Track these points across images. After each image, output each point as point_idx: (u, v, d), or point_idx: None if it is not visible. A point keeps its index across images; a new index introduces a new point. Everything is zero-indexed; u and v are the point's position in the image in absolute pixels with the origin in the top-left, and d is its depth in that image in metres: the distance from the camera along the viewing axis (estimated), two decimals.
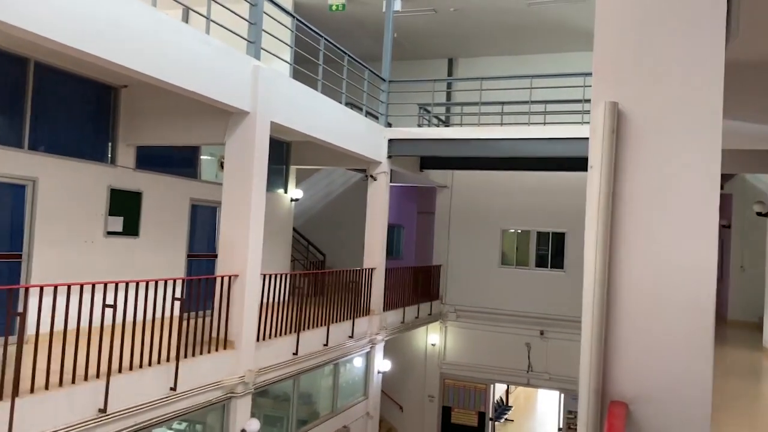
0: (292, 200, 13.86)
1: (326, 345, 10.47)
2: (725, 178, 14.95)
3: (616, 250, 2.69)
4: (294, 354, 9.54)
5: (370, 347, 12.56)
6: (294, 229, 14.88)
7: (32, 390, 5.38)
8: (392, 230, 16.95)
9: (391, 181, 13.31)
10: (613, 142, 2.65)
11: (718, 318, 16.17)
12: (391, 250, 16.88)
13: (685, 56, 2.67)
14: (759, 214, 12.93)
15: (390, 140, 12.99)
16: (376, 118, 13.18)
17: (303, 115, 9.78)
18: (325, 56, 10.88)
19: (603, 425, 2.53)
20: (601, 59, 2.75)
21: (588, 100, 10.98)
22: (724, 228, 16.24)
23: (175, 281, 7.33)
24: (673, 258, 2.63)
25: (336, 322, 10.86)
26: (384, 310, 12.95)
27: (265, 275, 8.74)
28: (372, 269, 12.55)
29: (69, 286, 5.75)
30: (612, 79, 2.72)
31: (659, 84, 2.69)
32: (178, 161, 10.91)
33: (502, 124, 13.51)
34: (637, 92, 2.69)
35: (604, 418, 2.55)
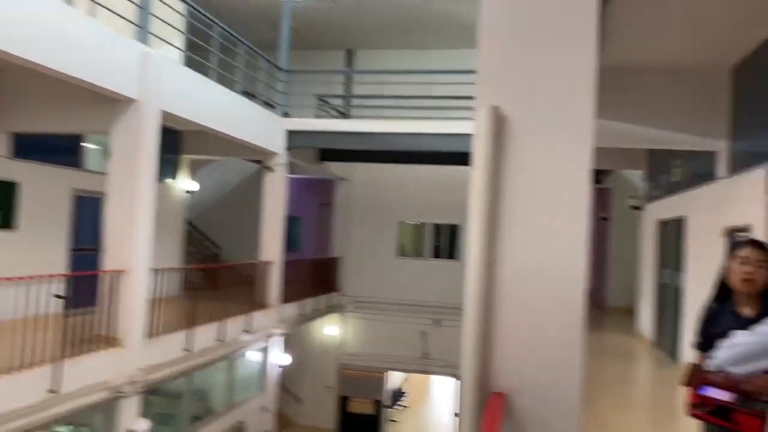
0: (185, 192, 13.40)
1: (221, 340, 10.24)
2: (604, 173, 15.96)
3: (497, 247, 2.81)
4: (186, 350, 9.27)
5: (268, 341, 12.42)
6: (189, 222, 14.43)
7: None
8: (291, 222, 16.78)
9: (289, 173, 13.18)
10: (494, 144, 2.76)
11: (598, 305, 17.35)
12: (290, 243, 16.73)
13: (561, 63, 2.83)
14: (632, 207, 13.92)
15: (288, 131, 12.85)
16: (274, 108, 12.99)
17: (195, 103, 9.48)
18: (220, 44, 10.57)
19: (483, 414, 2.65)
20: (484, 65, 2.86)
21: None
22: (604, 220, 17.35)
23: (53, 277, 6.91)
24: (547, 254, 2.79)
25: (231, 316, 10.63)
26: (282, 304, 12.83)
27: (155, 270, 8.42)
28: (269, 262, 12.39)
29: None
30: (494, 83, 2.83)
31: (538, 88, 2.83)
32: (60, 149, 10.28)
33: (401, 118, 13.70)
34: (517, 96, 2.82)
35: (485, 407, 2.67)
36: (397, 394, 19.85)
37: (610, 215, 16.64)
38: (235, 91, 11.11)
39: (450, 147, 12.47)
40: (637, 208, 13.60)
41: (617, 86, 7.79)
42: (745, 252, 2.95)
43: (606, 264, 16.83)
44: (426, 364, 16.55)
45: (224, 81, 10.65)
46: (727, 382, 2.48)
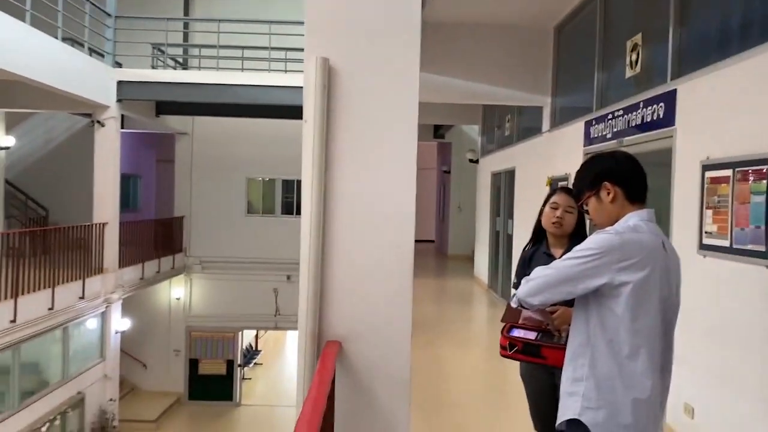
0: (0, 148, 12.08)
1: (52, 309, 9.53)
2: (445, 128, 16.66)
3: (329, 201, 2.83)
4: (12, 321, 8.54)
5: (105, 307, 11.74)
6: (7, 182, 13.08)
7: None
8: (127, 180, 15.79)
9: (123, 127, 12.32)
10: (324, 97, 2.75)
11: (440, 253, 18.27)
12: (127, 203, 15.77)
13: (387, 16, 2.85)
14: (471, 161, 14.70)
15: (119, 82, 11.95)
16: (103, 57, 11.98)
17: (7, 49, 8.50)
18: None
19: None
20: (312, 15, 2.81)
21: None
22: (445, 173, 18.19)
23: None
24: (377, 206, 2.86)
25: (63, 283, 9.91)
26: (120, 267, 12.16)
27: None
28: (104, 224, 11.61)
29: None
30: (323, 35, 2.80)
31: (365, 41, 2.84)
32: None
33: (242, 69, 13.22)
34: (346, 48, 2.81)
35: (319, 356, 2.73)
36: (251, 352, 19.78)
37: (451, 168, 17.46)
38: (57, 38, 10.08)
39: (294, 100, 12.27)
40: (474, 161, 14.37)
41: (450, 42, 8.08)
42: (556, 198, 3.24)
43: (448, 215, 17.74)
44: (279, 321, 16.57)
45: (43, 26, 9.61)
46: (529, 323, 2.76)
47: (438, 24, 7.72)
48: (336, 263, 2.85)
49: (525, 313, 2.73)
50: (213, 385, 16.50)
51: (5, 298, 8.45)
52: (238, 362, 16.77)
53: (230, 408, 16.46)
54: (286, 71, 13.18)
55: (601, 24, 6.76)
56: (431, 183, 20.70)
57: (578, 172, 2.43)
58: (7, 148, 12.34)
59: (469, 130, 16.69)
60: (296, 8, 15.77)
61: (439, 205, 18.89)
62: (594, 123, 6.52)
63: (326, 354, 2.63)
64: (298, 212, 16.33)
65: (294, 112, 14.25)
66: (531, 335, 2.78)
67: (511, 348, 2.81)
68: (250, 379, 18.27)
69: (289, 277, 16.44)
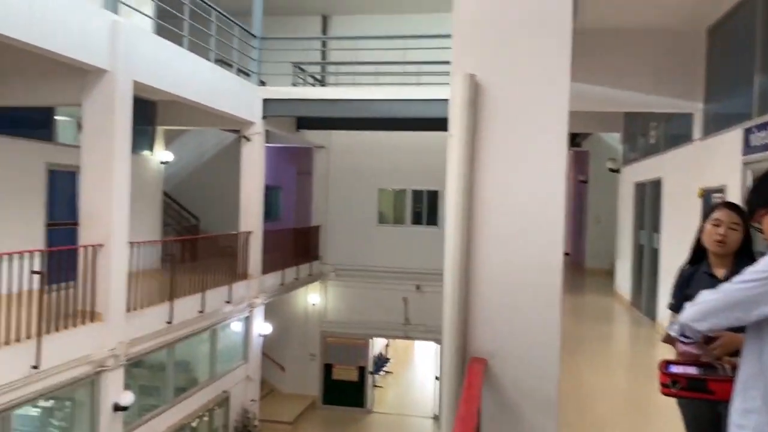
0: (161, 163, 13.22)
1: (202, 312, 10.24)
2: (582, 136, 16.04)
3: (475, 213, 2.82)
4: (168, 323, 9.26)
5: (249, 311, 12.45)
6: (165, 193, 14.28)
7: None
8: (270, 192, 16.68)
9: (266, 142, 13.05)
10: (471, 113, 2.75)
11: (577, 267, 17.55)
12: (269, 212, 16.65)
13: (536, 29, 2.81)
14: (611, 170, 14.03)
15: (264, 100, 12.68)
16: (249, 76, 12.79)
17: (168, 73, 9.30)
18: (192, 11, 10.33)
19: (464, 380, 2.69)
20: (459, 33, 2.82)
21: None
22: (583, 183, 17.49)
23: (32, 253, 6.81)
24: (525, 218, 2.80)
25: (212, 287, 10.61)
26: (262, 273, 12.83)
27: (132, 243, 8.34)
28: (249, 233, 12.35)
29: None
30: (470, 51, 2.80)
31: (513, 55, 2.81)
32: (31, 123, 10.04)
33: (377, 84, 13.56)
34: (493, 63, 2.79)
35: (465, 373, 2.71)
36: (381, 360, 20.10)
37: (588, 178, 16.77)
38: (209, 60, 10.90)
39: (428, 113, 12.39)
40: (615, 170, 13.72)
41: (594, 49, 7.77)
42: (719, 214, 2.99)
43: (585, 226, 17.03)
44: (408, 330, 16.73)
45: (198, 49, 10.44)
46: (687, 358, 2.52)
47: (581, 31, 7.46)
48: (481, 278, 2.83)
49: (679, 347, 2.50)
50: (346, 391, 16.95)
51: (163, 300, 9.20)
52: (370, 369, 17.09)
53: (362, 414, 16.80)
54: (419, 84, 13.35)
55: (763, 23, 6.21)
56: (566, 193, 19.98)
57: (754, 187, 2.23)
58: (166, 162, 13.48)
59: (609, 138, 15.96)
60: (429, 23, 15.98)
61: (575, 216, 18.20)
62: (755, 130, 5.99)
63: (473, 371, 2.60)
64: (428, 222, 16.57)
65: (427, 124, 14.41)
66: (692, 370, 2.55)
67: (674, 385, 2.59)
68: (381, 387, 18.56)
69: (418, 287, 16.57)
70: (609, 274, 13.97)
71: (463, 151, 2.77)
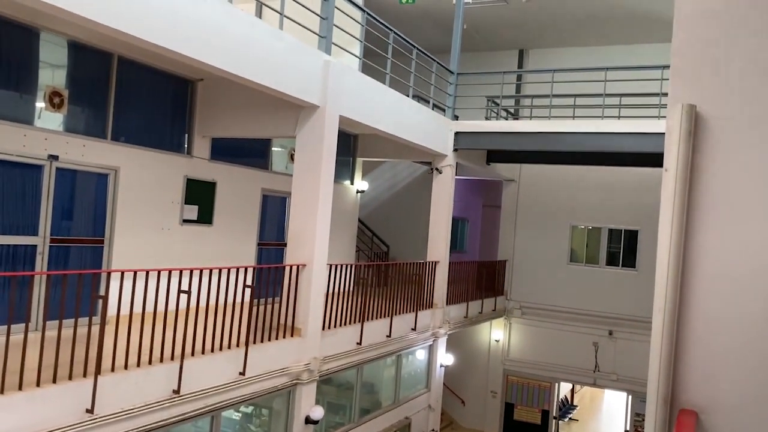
0: (357, 192, 14.01)
1: (389, 336, 10.57)
2: None
3: (690, 255, 2.62)
4: (358, 344, 9.68)
5: (433, 340, 12.60)
6: (359, 220, 15.06)
7: (113, 369, 5.69)
8: (457, 223, 16.89)
9: (456, 174, 13.26)
10: (689, 146, 2.57)
11: None
12: (455, 244, 16.82)
13: (765, 53, 2.57)
14: None
15: (456, 133, 12.93)
16: (443, 110, 13.14)
17: (370, 108, 9.88)
18: (394, 49, 10.91)
19: None
20: (679, 59, 2.67)
21: (665, 94, 10.60)
22: None
23: (246, 269, 7.55)
24: (749, 263, 2.54)
25: (399, 314, 10.94)
26: (447, 304, 12.95)
27: (331, 265, 8.90)
28: (436, 262, 12.56)
29: (147, 272, 6.04)
30: (690, 80, 2.64)
31: (741, 85, 2.59)
32: (250, 152, 11.22)
33: (573, 117, 13.22)
34: (716, 94, 2.60)
35: (673, 426, 2.50)
36: (567, 406, 19.15)
37: None
38: (408, 95, 11.40)
39: (627, 147, 11.78)
40: None
41: None
42: None
43: None
44: (597, 377, 15.79)
45: (397, 85, 10.98)
46: None
47: None
48: (694, 324, 2.61)
49: None
50: None
51: (354, 322, 9.65)
52: (554, 414, 16.36)
53: None
54: (619, 117, 12.77)
55: None
56: None
57: None
58: (362, 191, 14.26)
59: None
60: (625, 53, 15.27)
61: None
62: None
63: (682, 425, 2.40)
64: (624, 264, 15.58)
65: (627, 158, 13.64)
66: None
67: None
68: None
69: (611, 333, 15.63)
70: None
71: (679, 187, 2.60)
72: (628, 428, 15.91)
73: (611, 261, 16.03)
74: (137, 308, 5.88)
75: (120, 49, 8.37)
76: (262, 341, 7.61)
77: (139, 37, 5.83)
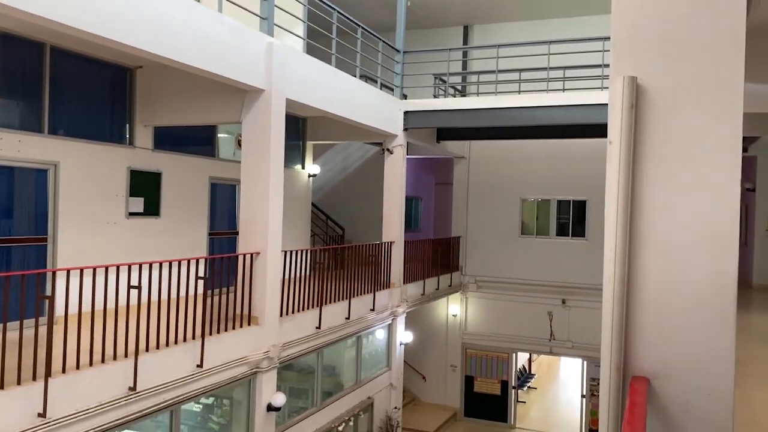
0: (309, 176, 13.88)
1: (348, 318, 10.58)
2: (749, 140, 14.68)
3: (637, 224, 2.67)
4: (317, 328, 9.67)
5: (392, 319, 12.67)
6: (312, 204, 14.95)
7: (64, 370, 5.52)
8: (410, 202, 16.96)
9: (407, 154, 13.27)
10: (632, 117, 2.61)
11: (743, 283, 16.08)
12: (410, 223, 16.91)
13: (706, 27, 2.61)
14: None
15: (406, 112, 12.91)
16: (392, 90, 13.09)
17: (318, 90, 9.75)
18: (338, 29, 10.77)
19: (625, 401, 2.54)
20: (618, 32, 2.69)
21: (608, 65, 10.79)
22: (749, 191, 15.99)
23: (198, 260, 7.41)
24: (694, 229, 2.60)
25: (357, 295, 10.95)
26: (404, 283, 13.02)
27: (285, 252, 8.81)
28: (391, 243, 12.59)
29: (94, 269, 5.86)
30: (631, 53, 2.66)
31: (680, 56, 2.63)
32: (196, 140, 10.96)
33: (519, 92, 13.36)
34: (656, 66, 2.63)
35: (626, 393, 2.56)
36: (525, 375, 19.60)
37: (755, 186, 15.30)
38: (355, 76, 11.30)
39: (571, 119, 11.98)
40: None
41: (764, 47, 7.08)
42: None
43: (752, 239, 15.55)
44: (553, 345, 16.19)
45: (343, 66, 10.85)
46: None
47: (752, 27, 6.85)
48: (643, 292, 2.66)
49: None
50: (487, 404, 16.71)
51: (313, 306, 9.62)
52: (513, 384, 16.73)
53: (504, 429, 16.47)
54: (564, 90, 12.96)
55: None
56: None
57: None
58: (314, 175, 14.13)
59: None
60: (569, 27, 15.48)
61: (742, 227, 16.68)
62: None
63: (635, 391, 2.45)
64: (574, 234, 15.94)
65: (573, 130, 13.90)
66: None
67: None
68: (524, 402, 18.08)
69: (564, 301, 16.01)
70: None
71: (623, 158, 2.63)
72: (584, 393, 16.40)
73: (561, 231, 16.36)
74: (86, 307, 5.71)
75: (52, 39, 8.01)
76: (218, 332, 7.51)
77: (68, 25, 5.57)
